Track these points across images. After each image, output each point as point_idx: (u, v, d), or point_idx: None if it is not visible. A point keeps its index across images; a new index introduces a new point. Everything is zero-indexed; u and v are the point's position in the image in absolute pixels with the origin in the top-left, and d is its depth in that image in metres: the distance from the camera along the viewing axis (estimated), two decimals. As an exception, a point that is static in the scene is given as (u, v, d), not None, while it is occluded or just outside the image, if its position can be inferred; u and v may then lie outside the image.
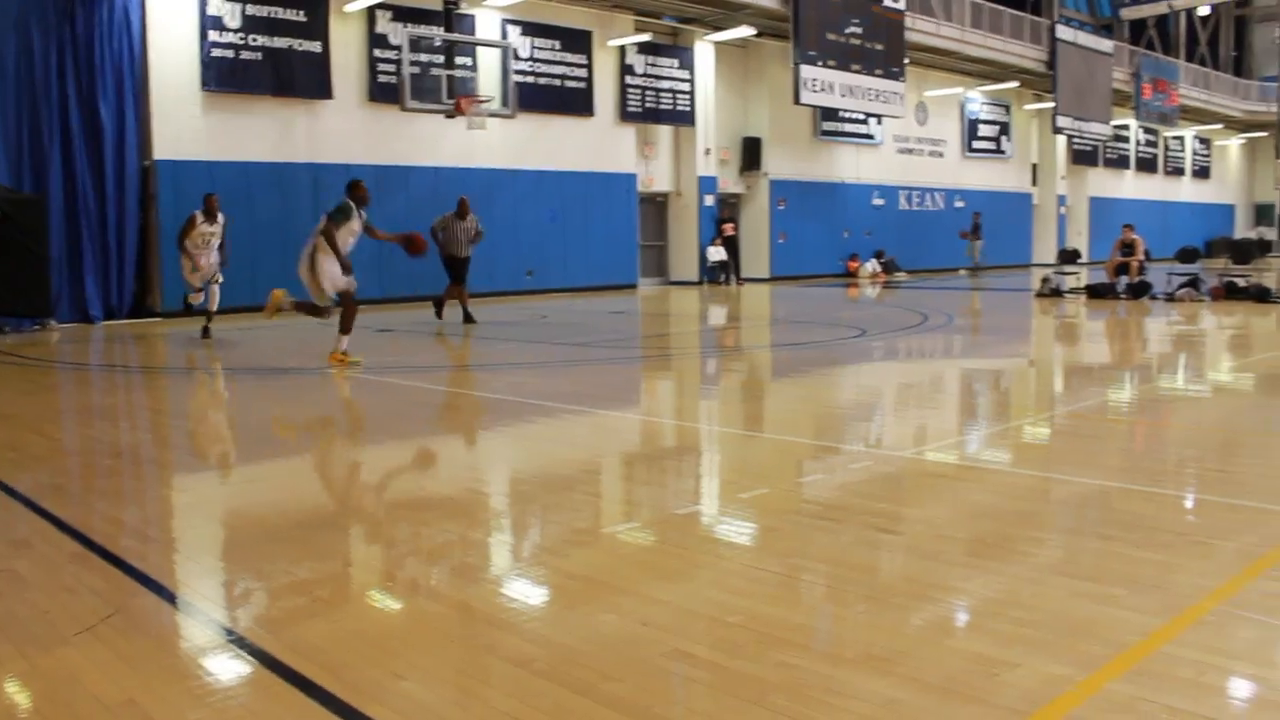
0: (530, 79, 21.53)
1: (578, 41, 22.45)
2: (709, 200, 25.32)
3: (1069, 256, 23.11)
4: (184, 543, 4.88)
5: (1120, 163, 40.67)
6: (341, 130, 19.20)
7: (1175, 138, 44.09)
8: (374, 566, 4.48)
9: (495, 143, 21.02)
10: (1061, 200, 37.18)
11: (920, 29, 28.02)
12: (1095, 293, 20.04)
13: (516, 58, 20.95)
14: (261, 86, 18.03)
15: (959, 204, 32.37)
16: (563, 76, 22.25)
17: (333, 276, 10.51)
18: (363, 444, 7.26)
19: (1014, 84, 33.24)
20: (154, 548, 4.68)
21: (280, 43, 18.19)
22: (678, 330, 15.57)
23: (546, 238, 22.25)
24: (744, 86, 26.77)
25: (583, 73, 22.57)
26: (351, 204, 10.61)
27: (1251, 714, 2.99)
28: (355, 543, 4.91)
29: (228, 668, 3.33)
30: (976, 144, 33.77)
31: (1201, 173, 46.93)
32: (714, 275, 25.23)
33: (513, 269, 21.68)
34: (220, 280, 13.77)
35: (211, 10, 17.44)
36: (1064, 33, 33.22)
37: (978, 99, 33.67)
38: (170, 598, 4.00)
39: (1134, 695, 3.02)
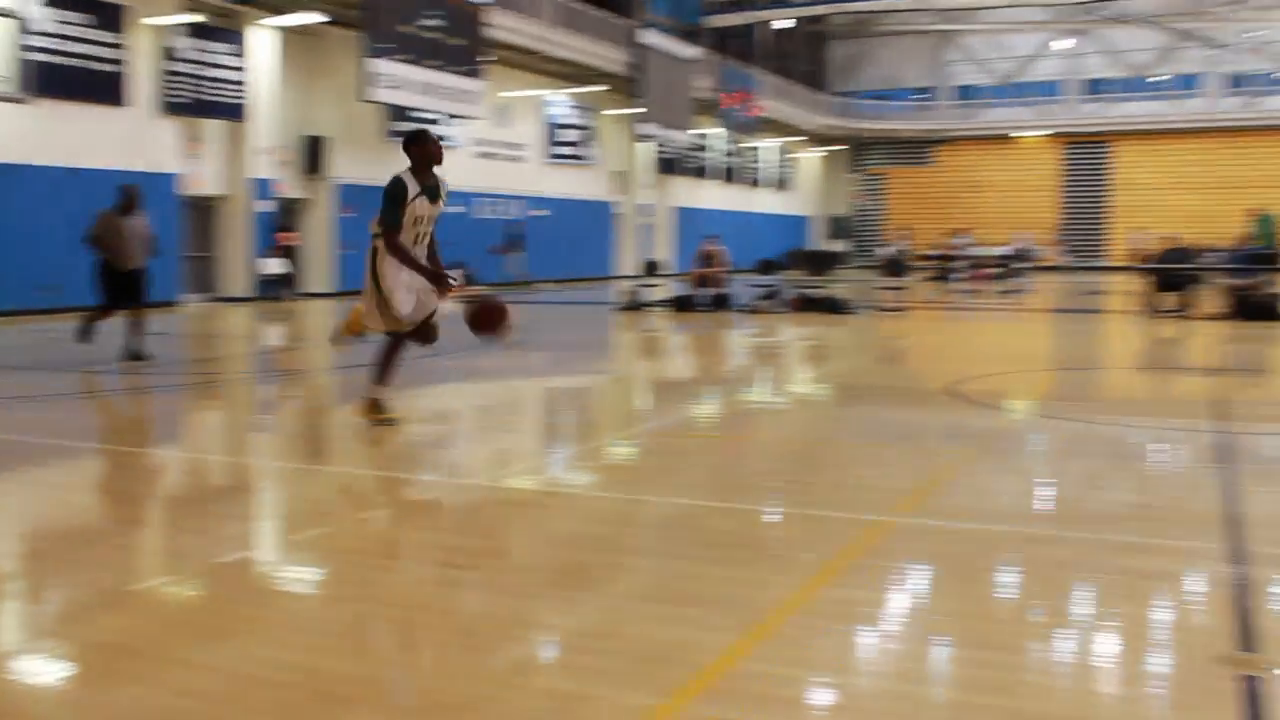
0: (49, 58, 19.95)
1: (109, 17, 21.02)
2: (265, 206, 24.53)
3: (652, 268, 24.41)
4: None
5: (704, 172, 43.51)
6: None
7: (755, 148, 47.79)
8: None
9: (4, 132, 19.30)
10: (646, 210, 39.21)
11: (502, 25, 28.62)
12: (679, 305, 21.29)
13: (31, 31, 19.34)
14: None
15: (540, 212, 33.34)
16: (90, 57, 20.75)
17: (412, 290, 7.80)
18: None
19: (599, 88, 34.68)
20: None
21: None
22: (228, 353, 14.97)
23: (71, 248, 20.61)
24: (308, 80, 26.18)
25: (115, 54, 21.17)
26: (403, 179, 7.65)
27: (821, 725, 3.28)
28: None
29: None
30: (559, 149, 34.92)
31: (781, 184, 51.16)
32: (271, 290, 24.45)
33: (25, 284, 19.94)
34: None
35: None
36: (649, 37, 35.10)
37: (561, 102, 34.85)
38: None
39: (710, 717, 3.22)
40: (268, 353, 15.47)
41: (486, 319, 7.90)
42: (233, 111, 23.61)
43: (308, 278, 26.29)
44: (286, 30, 24.72)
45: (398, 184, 7.63)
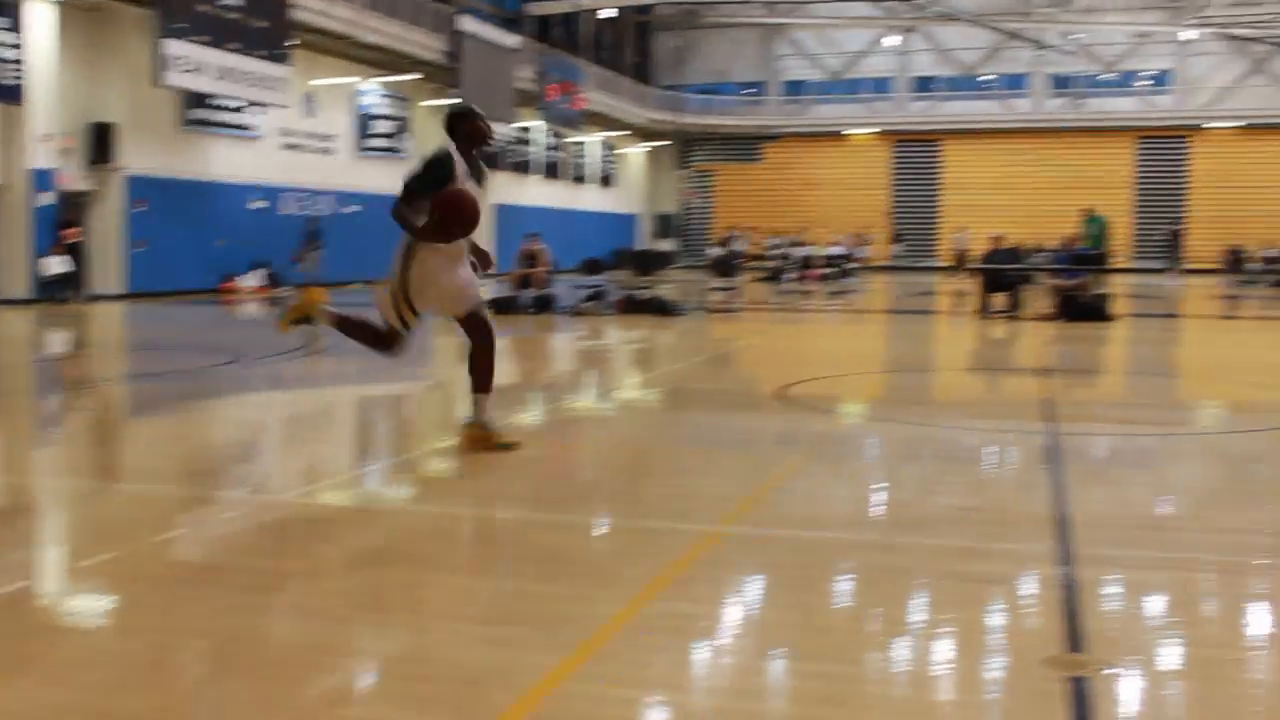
0: None
1: None
2: (46, 199, 23.54)
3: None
4: None
5: (526, 167, 43.43)
6: None
7: (580, 143, 47.92)
8: None
9: None
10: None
11: (310, 7, 28.09)
12: (499, 307, 21.17)
13: None
14: None
15: (352, 208, 32.81)
16: None
17: (457, 287, 7.24)
18: None
19: (414, 76, 34.32)
20: None
21: None
22: (5, 362, 14.34)
23: None
24: (94, 60, 25.20)
25: None
26: (451, 155, 7.12)
27: (651, 746, 3.30)
28: None
29: None
30: (372, 141, 34.45)
31: (607, 180, 51.41)
32: (54, 292, 23.48)
33: None
34: None
35: None
36: (467, 24, 34.87)
37: (374, 91, 34.37)
38: None
39: (536, 743, 3.22)
40: (51, 361, 14.86)
41: (454, 213, 7.03)
42: (7, 94, 22.56)
43: (95, 278, 25.33)
44: (68, 5, 23.76)
45: (444, 158, 7.10)
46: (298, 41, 28.12)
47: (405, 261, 7.13)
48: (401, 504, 6.41)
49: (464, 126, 7.24)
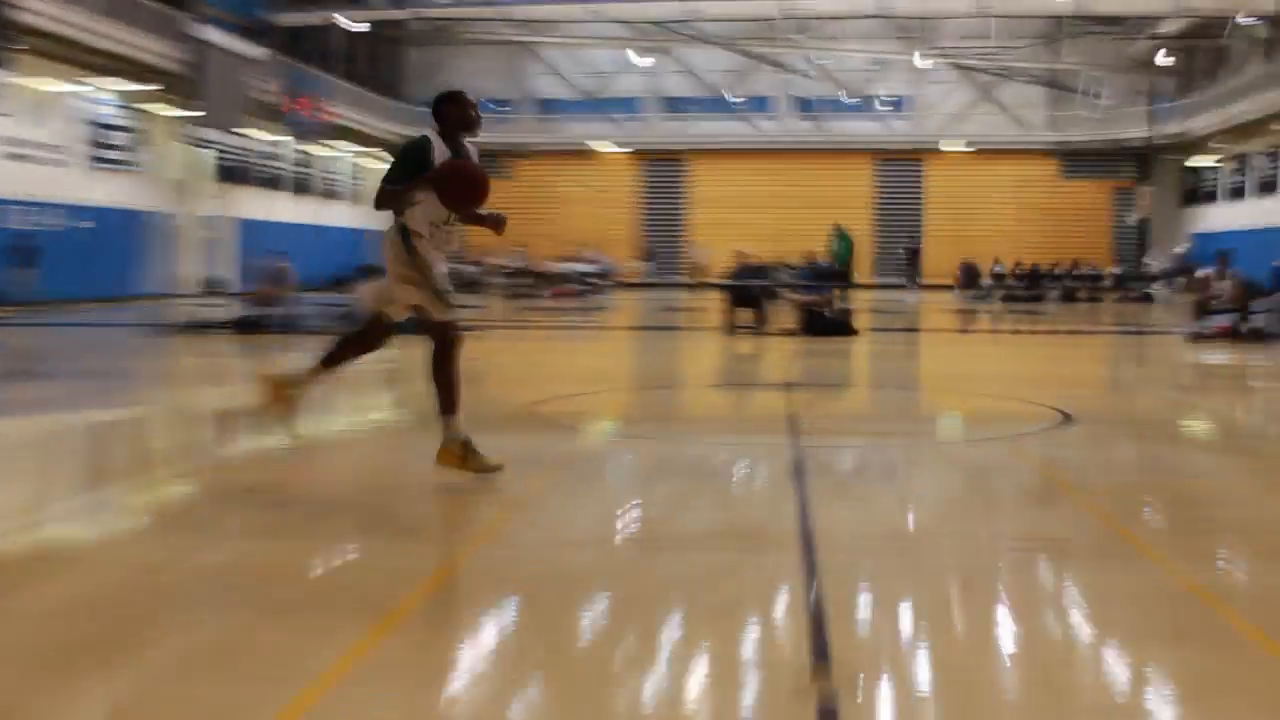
0: None
1: None
2: None
3: (212, 286, 23.39)
4: None
5: (273, 182, 42.18)
6: None
7: (335, 158, 46.90)
8: None
9: None
10: (206, 221, 37.45)
11: (36, 10, 26.61)
12: (242, 326, 20.40)
13: None
14: None
15: (85, 224, 31.19)
16: None
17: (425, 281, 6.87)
18: None
19: (153, 85, 32.93)
20: None
21: None
22: None
23: None
24: None
25: None
26: (431, 140, 6.72)
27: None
28: None
29: None
30: (106, 153, 32.81)
31: (357, 196, 50.42)
32: None
33: None
34: None
35: None
36: (208, 33, 33.68)
37: (107, 100, 32.80)
38: None
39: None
40: None
41: (462, 187, 6.74)
42: None
43: None
44: None
45: (422, 144, 6.71)
46: (22, 46, 26.56)
47: (410, 254, 6.84)
48: (112, 543, 5.96)
49: (450, 110, 6.90)
